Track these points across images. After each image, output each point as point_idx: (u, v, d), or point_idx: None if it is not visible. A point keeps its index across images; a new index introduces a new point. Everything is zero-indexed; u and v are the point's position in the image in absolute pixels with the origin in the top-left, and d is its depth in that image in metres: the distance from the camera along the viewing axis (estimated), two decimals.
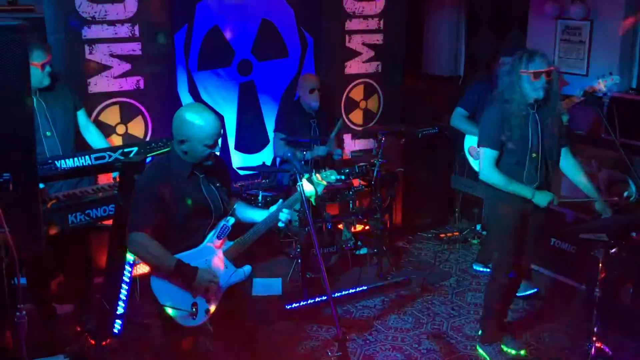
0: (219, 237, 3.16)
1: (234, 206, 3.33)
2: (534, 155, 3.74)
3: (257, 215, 3.30)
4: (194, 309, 3.08)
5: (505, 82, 3.77)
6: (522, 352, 4.12)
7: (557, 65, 5.57)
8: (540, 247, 4.13)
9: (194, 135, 3.01)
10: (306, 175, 3.26)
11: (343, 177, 3.51)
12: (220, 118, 5.55)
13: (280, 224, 3.25)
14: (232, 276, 3.19)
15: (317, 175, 3.28)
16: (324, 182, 3.29)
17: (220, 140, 3.11)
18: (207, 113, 3.07)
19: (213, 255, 3.16)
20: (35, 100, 3.95)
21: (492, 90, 4.74)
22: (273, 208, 3.26)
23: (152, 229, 3.01)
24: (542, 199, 3.73)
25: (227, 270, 3.19)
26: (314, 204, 4.47)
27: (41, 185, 3.70)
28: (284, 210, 3.21)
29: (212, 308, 3.14)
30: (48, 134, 4.04)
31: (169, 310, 3.06)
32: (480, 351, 4.14)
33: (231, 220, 3.18)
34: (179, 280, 3.05)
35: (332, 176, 3.32)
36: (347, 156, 5.84)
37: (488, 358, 4.09)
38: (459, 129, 5.24)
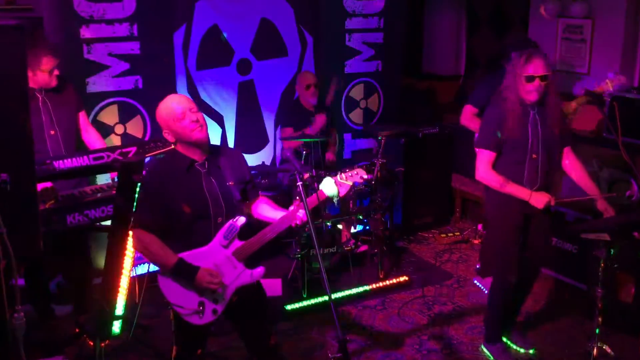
0: (225, 237, 3.08)
1: (257, 206, 3.29)
2: (534, 156, 3.72)
3: (278, 215, 3.21)
4: (200, 308, 3.06)
5: (506, 80, 3.75)
6: (531, 351, 4.14)
7: (556, 68, 5.46)
8: (547, 251, 4.13)
9: (166, 120, 3.05)
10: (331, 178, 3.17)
11: (367, 179, 3.42)
12: (220, 118, 5.53)
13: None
14: (239, 277, 3.12)
15: (342, 174, 3.21)
16: (349, 182, 3.21)
17: (194, 114, 3.02)
18: (170, 96, 3.12)
19: (221, 255, 3.09)
20: (40, 99, 3.99)
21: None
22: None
23: (155, 225, 3.03)
24: (539, 200, 3.69)
25: (235, 271, 3.12)
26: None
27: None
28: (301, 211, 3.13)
29: (220, 308, 3.09)
30: (52, 132, 4.04)
31: (177, 309, 3.06)
32: (485, 350, 4.13)
33: (240, 220, 3.10)
34: (181, 279, 3.04)
35: (361, 175, 3.24)
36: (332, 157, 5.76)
37: (492, 357, 4.07)
38: (468, 128, 4.89)
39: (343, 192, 3.22)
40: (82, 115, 4.32)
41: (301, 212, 3.10)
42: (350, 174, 3.22)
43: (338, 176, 3.21)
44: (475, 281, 5.10)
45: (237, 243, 3.11)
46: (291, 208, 3.16)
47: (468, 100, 4.91)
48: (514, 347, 4.18)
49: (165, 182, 3.05)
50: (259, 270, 3.16)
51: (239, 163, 3.26)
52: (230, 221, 3.08)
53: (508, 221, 3.85)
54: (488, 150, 3.78)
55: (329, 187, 3.19)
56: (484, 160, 3.80)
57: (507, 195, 3.76)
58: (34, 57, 3.85)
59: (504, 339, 4.22)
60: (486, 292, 4.92)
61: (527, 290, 4.20)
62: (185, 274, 3.01)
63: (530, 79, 3.62)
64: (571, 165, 3.90)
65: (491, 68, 4.94)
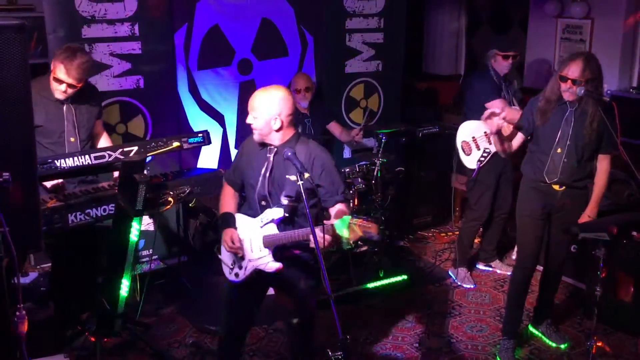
0: (261, 220, 3.27)
1: (332, 211, 3.31)
2: (558, 150, 3.81)
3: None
4: (232, 266, 3.40)
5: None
6: (563, 346, 4.22)
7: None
8: (562, 252, 4.14)
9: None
10: (347, 218, 2.96)
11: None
12: (221, 117, 5.55)
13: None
14: (259, 260, 3.27)
15: (358, 220, 2.95)
16: (359, 232, 2.94)
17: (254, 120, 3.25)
18: (272, 87, 3.32)
19: (256, 234, 3.29)
20: (65, 106, 3.97)
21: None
22: None
23: (231, 182, 3.50)
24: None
25: (259, 253, 3.27)
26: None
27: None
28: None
29: (241, 275, 3.35)
30: (72, 139, 4.04)
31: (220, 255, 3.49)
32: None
33: (276, 211, 3.23)
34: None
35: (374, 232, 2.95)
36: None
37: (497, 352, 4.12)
38: None
39: (351, 238, 3.03)
40: (99, 123, 4.32)
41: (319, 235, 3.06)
42: (364, 225, 2.93)
43: (353, 221, 2.95)
44: (477, 265, 5.43)
45: (272, 230, 3.25)
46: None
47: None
48: (547, 340, 4.26)
49: (247, 152, 3.43)
50: (275, 266, 3.26)
51: (313, 165, 3.26)
52: (269, 210, 3.26)
53: (530, 212, 3.98)
54: (520, 133, 4.01)
55: (341, 226, 3.00)
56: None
57: (532, 187, 3.95)
58: (60, 58, 3.80)
59: (534, 330, 4.36)
60: (459, 282, 5.14)
61: (553, 286, 4.28)
62: (219, 226, 3.42)
63: (563, 79, 3.72)
64: (597, 172, 3.92)
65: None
